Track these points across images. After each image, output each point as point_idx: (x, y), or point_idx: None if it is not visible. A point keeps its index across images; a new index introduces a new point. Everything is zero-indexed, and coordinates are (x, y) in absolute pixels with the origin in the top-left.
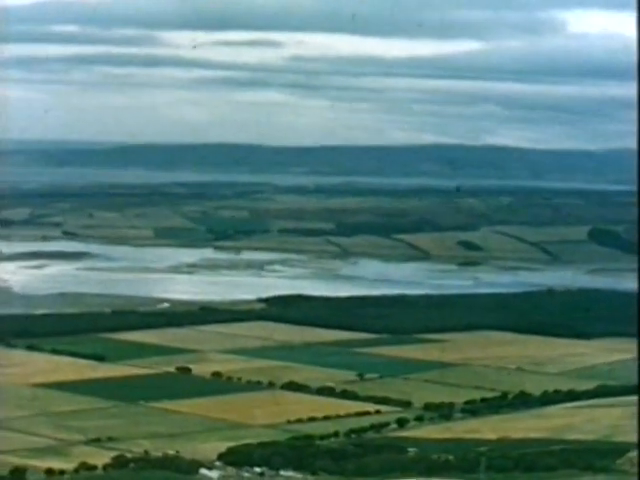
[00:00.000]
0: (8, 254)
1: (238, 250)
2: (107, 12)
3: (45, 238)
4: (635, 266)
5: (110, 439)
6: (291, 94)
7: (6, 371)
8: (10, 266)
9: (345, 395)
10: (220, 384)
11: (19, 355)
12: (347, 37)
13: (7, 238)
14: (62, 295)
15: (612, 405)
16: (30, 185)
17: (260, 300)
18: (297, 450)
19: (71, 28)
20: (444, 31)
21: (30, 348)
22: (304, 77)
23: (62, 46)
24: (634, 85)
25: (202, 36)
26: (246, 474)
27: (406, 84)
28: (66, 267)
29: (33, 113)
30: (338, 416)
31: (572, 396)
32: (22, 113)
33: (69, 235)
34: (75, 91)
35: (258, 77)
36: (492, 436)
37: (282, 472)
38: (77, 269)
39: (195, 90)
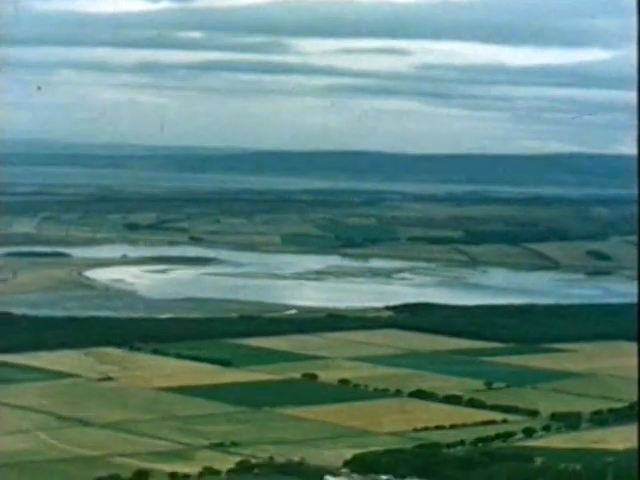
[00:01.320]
0: (134, 258)
1: (366, 257)
2: (234, 19)
3: (171, 243)
4: None
5: (234, 444)
6: (419, 102)
7: (131, 374)
8: (136, 270)
9: (472, 404)
10: (347, 391)
11: (144, 359)
12: (476, 45)
13: (133, 242)
14: (188, 300)
15: None
16: (157, 190)
17: (388, 308)
18: (423, 458)
19: (198, 35)
20: (572, 39)
21: (155, 352)
22: (432, 85)
23: (189, 53)
24: None
25: (331, 44)
26: None
27: (535, 92)
28: (192, 272)
29: (161, 119)
30: (465, 425)
31: None
32: (150, 119)
33: (195, 240)
34: (203, 97)
35: (386, 85)
36: (620, 446)
37: None
38: (203, 274)
39: (323, 97)
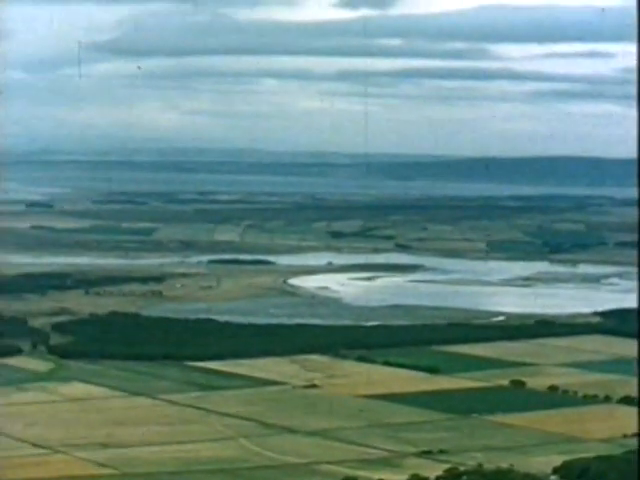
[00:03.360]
0: (339, 266)
1: (574, 263)
2: (434, 26)
3: (377, 250)
4: None
5: (442, 452)
6: (623, 106)
7: (336, 382)
8: (341, 278)
9: None
10: (555, 398)
11: (350, 366)
12: None
13: (338, 250)
14: (394, 307)
15: None
16: (362, 198)
17: (596, 313)
18: (633, 465)
19: (398, 42)
20: None
21: (361, 359)
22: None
23: (390, 60)
24: None
25: (533, 48)
26: None
27: None
28: (398, 279)
29: (360, 126)
30: None
31: None
32: (352, 127)
33: (402, 247)
34: (405, 105)
35: (591, 89)
36: None
37: None
38: (410, 281)
39: (529, 103)
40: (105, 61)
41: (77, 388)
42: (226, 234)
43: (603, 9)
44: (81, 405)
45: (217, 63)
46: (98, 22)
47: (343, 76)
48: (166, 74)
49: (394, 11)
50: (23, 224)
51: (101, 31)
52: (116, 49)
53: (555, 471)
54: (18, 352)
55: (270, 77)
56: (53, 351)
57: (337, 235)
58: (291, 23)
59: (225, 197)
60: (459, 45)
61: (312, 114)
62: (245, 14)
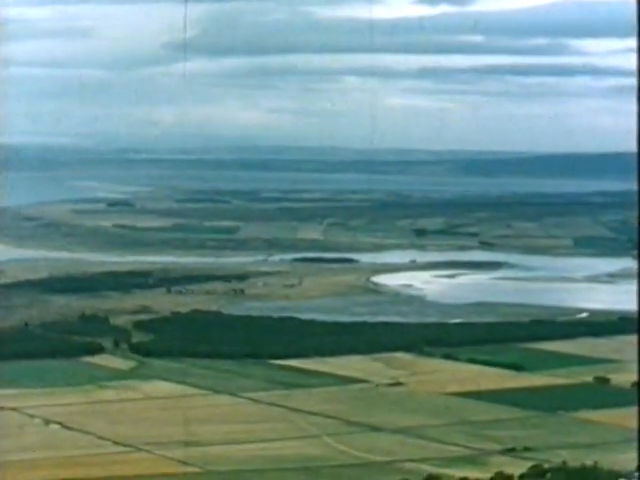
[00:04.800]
0: (423, 263)
1: None
2: (513, 22)
3: (461, 248)
4: None
5: (527, 449)
6: None
7: (421, 379)
8: (425, 275)
9: None
10: None
11: (434, 363)
12: None
13: (422, 248)
14: (478, 304)
15: None
16: (445, 195)
17: None
18: None
19: (478, 38)
20: None
21: (446, 357)
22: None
23: (471, 56)
24: None
25: (614, 43)
26: None
27: None
28: (482, 277)
29: (442, 123)
30: None
31: None
32: (434, 124)
33: (486, 245)
34: (487, 101)
35: None
36: None
37: None
38: (493, 279)
39: (611, 99)
40: (185, 60)
41: (159, 386)
42: (309, 232)
43: None
44: (163, 403)
45: (298, 61)
46: (176, 20)
47: (425, 73)
48: (246, 72)
49: (473, 7)
50: (105, 223)
51: (180, 30)
52: (196, 47)
53: None
54: (100, 350)
55: (351, 75)
56: (135, 349)
57: (421, 233)
58: (371, 20)
59: (308, 195)
60: (539, 41)
61: (394, 111)
62: (325, 12)
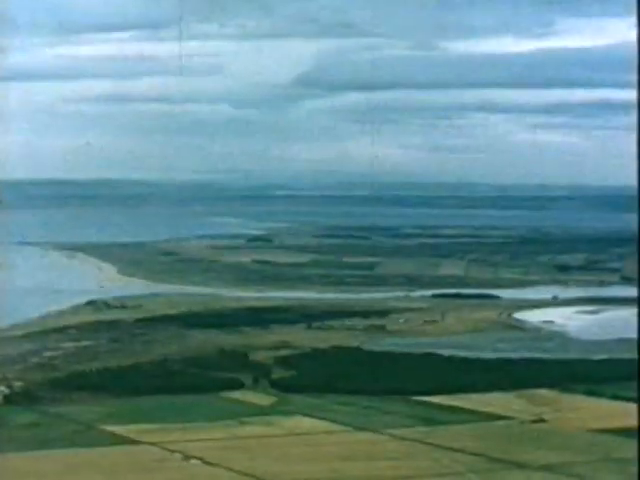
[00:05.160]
0: (565, 299)
1: None
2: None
3: (602, 283)
4: None
5: None
6: None
7: (564, 416)
8: (566, 311)
9: None
10: None
11: (577, 400)
12: None
13: (563, 283)
14: (621, 341)
15: None
16: (584, 230)
17: None
18: None
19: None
20: None
21: (589, 393)
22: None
23: (599, 90)
24: None
25: None
26: None
27: None
28: (624, 312)
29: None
30: None
31: None
32: (567, 159)
33: (627, 280)
34: (616, 135)
35: None
36: None
37: None
38: (636, 315)
39: None
40: (311, 96)
41: (300, 422)
42: (450, 268)
43: None
44: (305, 439)
45: (424, 97)
46: (302, 57)
47: (553, 108)
48: (372, 108)
49: (590, 42)
50: (244, 258)
51: (306, 65)
52: (322, 84)
53: None
54: (240, 386)
55: (477, 110)
56: (275, 385)
57: (562, 268)
58: (493, 55)
59: (447, 231)
60: None
61: (524, 147)
62: (452, 46)
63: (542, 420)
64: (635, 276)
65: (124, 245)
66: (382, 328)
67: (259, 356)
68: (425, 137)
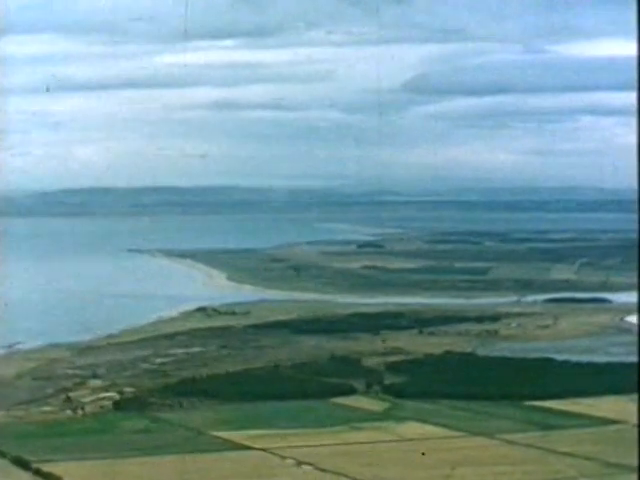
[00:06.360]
0: None
1: None
2: None
3: None
4: None
5: None
6: None
7: None
8: None
9: None
10: None
11: None
12: None
13: None
14: None
15: None
16: None
17: None
18: None
19: None
20: None
21: None
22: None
23: None
24: None
25: None
26: None
27: None
28: None
29: None
30: None
31: None
32: None
33: None
34: None
35: None
36: None
37: None
38: None
39: None
40: (420, 102)
41: (413, 428)
42: (561, 272)
43: None
44: (418, 445)
45: (533, 101)
46: (410, 62)
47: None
48: (481, 113)
49: None
50: (354, 264)
51: (414, 70)
52: (430, 89)
53: None
54: (352, 392)
55: (586, 114)
56: (388, 390)
57: None
58: (605, 57)
59: (559, 235)
60: None
61: (633, 150)
62: (561, 49)
63: None
64: None
65: (234, 252)
66: (495, 333)
67: (371, 362)
68: (533, 141)
